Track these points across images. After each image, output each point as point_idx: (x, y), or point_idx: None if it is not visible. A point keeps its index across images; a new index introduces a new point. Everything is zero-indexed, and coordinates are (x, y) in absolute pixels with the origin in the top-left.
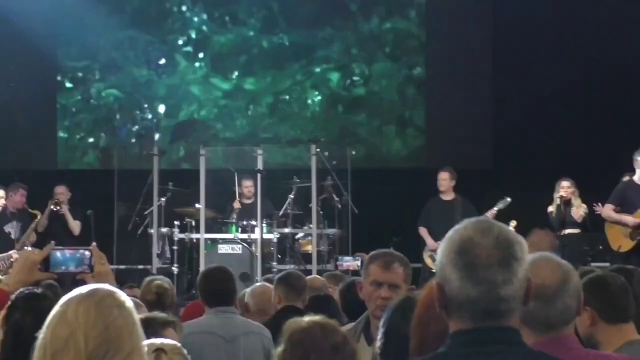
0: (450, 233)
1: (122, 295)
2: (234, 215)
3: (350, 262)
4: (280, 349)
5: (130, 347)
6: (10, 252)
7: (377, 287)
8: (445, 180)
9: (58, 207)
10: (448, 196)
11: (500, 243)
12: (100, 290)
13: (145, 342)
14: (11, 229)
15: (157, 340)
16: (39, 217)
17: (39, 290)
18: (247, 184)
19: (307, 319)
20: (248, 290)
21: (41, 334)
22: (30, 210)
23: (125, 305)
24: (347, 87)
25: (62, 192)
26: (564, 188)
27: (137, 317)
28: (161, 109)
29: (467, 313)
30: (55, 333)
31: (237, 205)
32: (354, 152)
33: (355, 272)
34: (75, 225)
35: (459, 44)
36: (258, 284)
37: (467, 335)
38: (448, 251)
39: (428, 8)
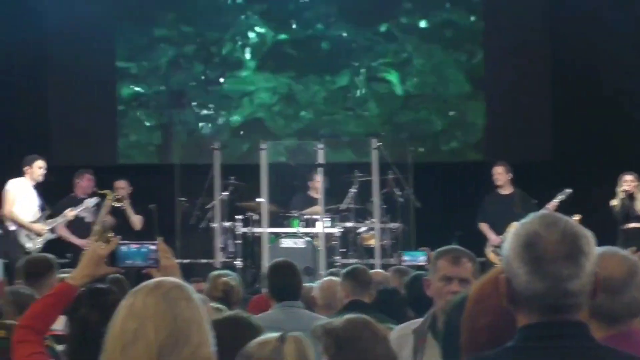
0: (516, 227)
1: (189, 288)
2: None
3: (418, 260)
4: (330, 350)
5: (199, 339)
6: (65, 211)
7: (446, 282)
8: (500, 174)
9: (120, 204)
10: (506, 190)
11: (566, 237)
12: (167, 282)
13: (265, 336)
14: (85, 213)
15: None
16: (110, 195)
17: (104, 286)
18: (319, 178)
19: (342, 318)
20: (315, 284)
21: (110, 327)
22: (99, 192)
23: (192, 298)
24: (405, 82)
25: (122, 186)
26: (627, 182)
27: (204, 310)
28: (221, 104)
29: (534, 307)
30: (125, 326)
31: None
32: (412, 149)
33: (421, 268)
34: (136, 220)
35: (517, 35)
36: (325, 278)
37: (535, 330)
38: (514, 245)
39: (486, 0)
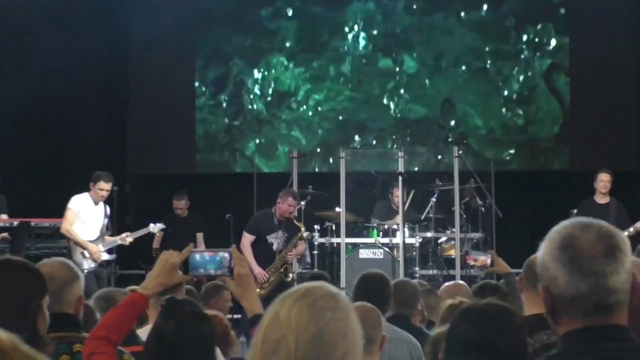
0: (549, 234)
1: (340, 297)
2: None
3: (483, 257)
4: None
5: (344, 351)
6: (123, 235)
7: None
8: (608, 182)
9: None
10: (603, 199)
11: (601, 236)
12: (315, 291)
13: None
14: (274, 239)
15: None
16: (302, 231)
17: (180, 297)
18: (397, 193)
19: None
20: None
21: (256, 333)
22: (296, 222)
23: (339, 308)
24: (492, 91)
25: (180, 207)
26: None
27: (353, 320)
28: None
29: (577, 309)
30: (267, 335)
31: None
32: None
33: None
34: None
35: (603, 44)
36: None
37: (579, 335)
38: (550, 249)
39: (570, 10)
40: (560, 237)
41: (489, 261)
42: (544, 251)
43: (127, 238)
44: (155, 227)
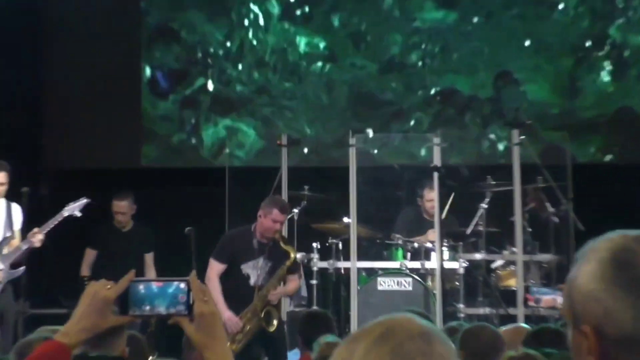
0: (585, 252)
1: (434, 337)
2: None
3: (550, 296)
4: None
5: None
6: (30, 234)
7: None
8: None
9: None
10: None
11: None
12: (400, 328)
13: None
14: (252, 270)
15: None
16: (292, 258)
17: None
18: (430, 196)
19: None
20: None
21: None
22: (283, 245)
23: (434, 352)
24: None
25: (123, 211)
26: None
27: None
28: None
29: None
30: None
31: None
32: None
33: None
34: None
35: None
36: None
37: None
38: (601, 272)
39: None
40: (611, 254)
41: (559, 300)
42: (586, 275)
43: (33, 238)
44: (74, 207)
